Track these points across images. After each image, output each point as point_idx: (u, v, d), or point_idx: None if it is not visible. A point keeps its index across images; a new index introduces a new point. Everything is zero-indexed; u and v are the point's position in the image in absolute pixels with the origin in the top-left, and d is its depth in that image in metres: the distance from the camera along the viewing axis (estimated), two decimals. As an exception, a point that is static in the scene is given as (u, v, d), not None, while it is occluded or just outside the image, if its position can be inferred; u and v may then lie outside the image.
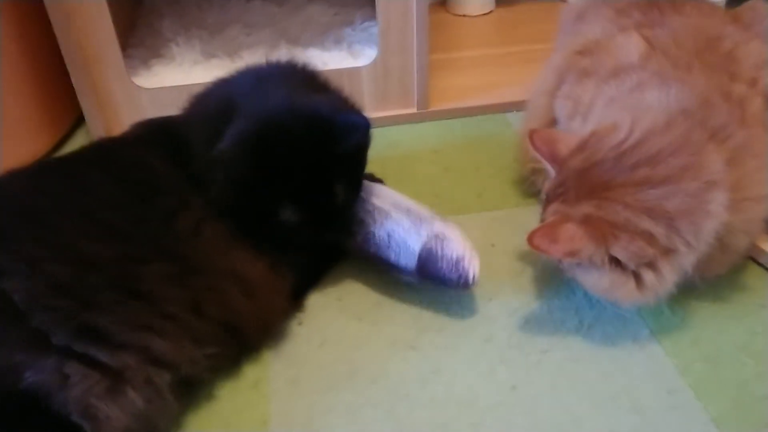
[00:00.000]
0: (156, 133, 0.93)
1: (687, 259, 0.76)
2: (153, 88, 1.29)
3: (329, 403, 0.80)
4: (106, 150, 0.92)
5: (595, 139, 0.80)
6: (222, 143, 0.81)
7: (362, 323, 0.91)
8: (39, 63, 1.25)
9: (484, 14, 1.80)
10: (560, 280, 0.94)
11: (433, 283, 0.90)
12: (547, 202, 0.84)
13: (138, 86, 1.28)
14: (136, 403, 0.68)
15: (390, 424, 0.78)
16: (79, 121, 1.34)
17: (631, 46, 0.93)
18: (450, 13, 1.82)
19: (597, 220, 0.76)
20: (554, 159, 0.84)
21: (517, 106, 1.29)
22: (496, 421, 0.77)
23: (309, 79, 0.97)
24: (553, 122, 1.03)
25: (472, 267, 0.87)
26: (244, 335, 0.82)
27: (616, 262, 0.76)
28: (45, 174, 0.85)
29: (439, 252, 0.87)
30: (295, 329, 0.90)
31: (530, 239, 0.77)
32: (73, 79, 1.22)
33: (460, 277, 0.86)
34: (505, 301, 0.92)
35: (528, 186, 1.11)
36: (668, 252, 0.75)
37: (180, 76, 1.36)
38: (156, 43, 1.47)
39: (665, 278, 0.76)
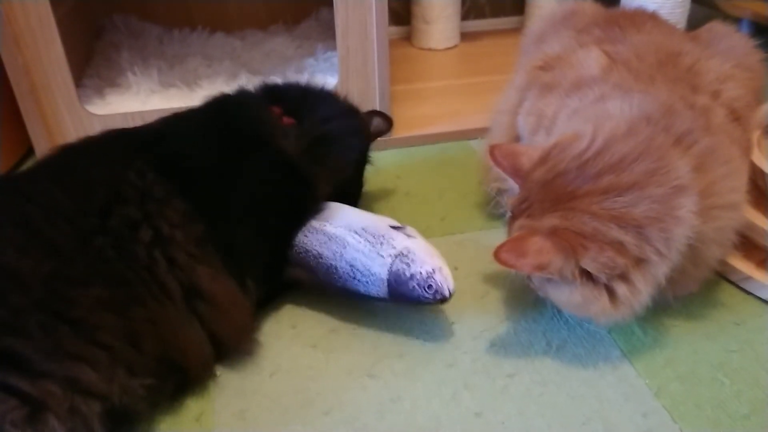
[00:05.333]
0: (132, 142, 0.87)
1: (660, 270, 0.72)
2: (106, 115, 1.25)
3: (279, 437, 0.74)
4: (66, 156, 0.84)
5: (558, 149, 0.77)
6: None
7: (317, 351, 0.85)
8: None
9: (449, 48, 1.80)
10: (527, 301, 0.90)
11: (410, 304, 0.84)
12: (512, 218, 0.80)
13: (90, 113, 1.24)
14: None
15: (344, 457, 0.71)
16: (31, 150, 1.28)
17: (591, 60, 0.91)
18: (415, 47, 1.82)
19: (564, 231, 0.72)
20: (517, 173, 0.80)
21: (480, 133, 1.27)
22: (460, 450, 0.71)
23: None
24: (516, 140, 1.00)
25: (446, 278, 0.81)
26: (185, 371, 0.76)
27: (587, 275, 0.72)
28: None
29: (407, 272, 0.81)
30: (245, 358, 0.83)
31: (497, 254, 0.73)
32: (19, 104, 1.18)
33: (436, 293, 0.80)
34: (468, 325, 0.87)
35: (492, 208, 1.07)
36: (640, 262, 0.71)
37: (136, 104, 1.33)
38: (111, 74, 1.44)
39: (639, 291, 0.72)
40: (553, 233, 0.73)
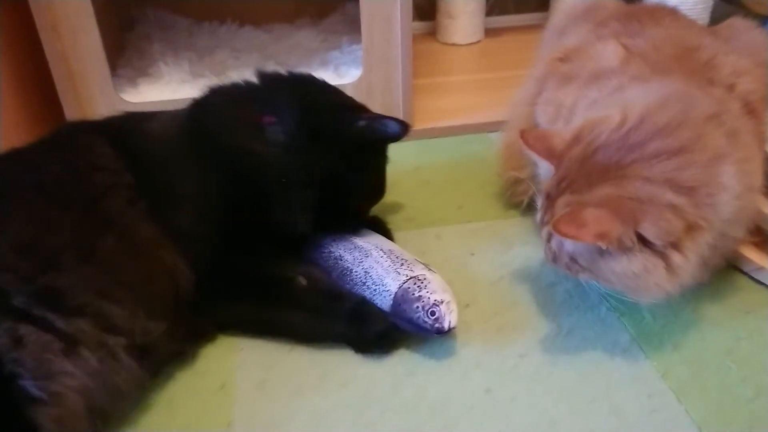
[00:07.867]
0: (110, 127, 0.96)
1: (705, 239, 0.73)
2: (139, 103, 1.29)
3: (296, 407, 0.77)
4: (63, 137, 0.93)
5: (590, 128, 0.79)
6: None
7: (335, 328, 0.88)
8: (26, 74, 1.25)
9: (473, 43, 1.82)
10: (539, 286, 0.93)
11: (406, 327, 0.83)
12: (549, 200, 0.80)
13: (124, 100, 1.28)
14: (90, 362, 0.69)
15: (357, 429, 0.74)
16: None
17: (609, 52, 0.93)
18: (439, 42, 1.84)
19: (619, 199, 0.73)
20: (551, 154, 0.81)
21: (499, 126, 1.29)
22: (470, 425, 0.74)
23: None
24: (533, 130, 1.02)
25: (450, 313, 0.81)
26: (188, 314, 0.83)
27: (644, 242, 0.73)
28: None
29: (416, 293, 0.82)
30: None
31: (556, 226, 0.72)
32: (58, 89, 1.23)
33: (436, 321, 0.80)
34: (482, 308, 0.90)
35: (508, 198, 1.10)
36: (691, 228, 0.72)
37: (167, 92, 1.37)
38: (144, 64, 1.49)
39: (690, 260, 0.73)
40: (606, 202, 0.73)
